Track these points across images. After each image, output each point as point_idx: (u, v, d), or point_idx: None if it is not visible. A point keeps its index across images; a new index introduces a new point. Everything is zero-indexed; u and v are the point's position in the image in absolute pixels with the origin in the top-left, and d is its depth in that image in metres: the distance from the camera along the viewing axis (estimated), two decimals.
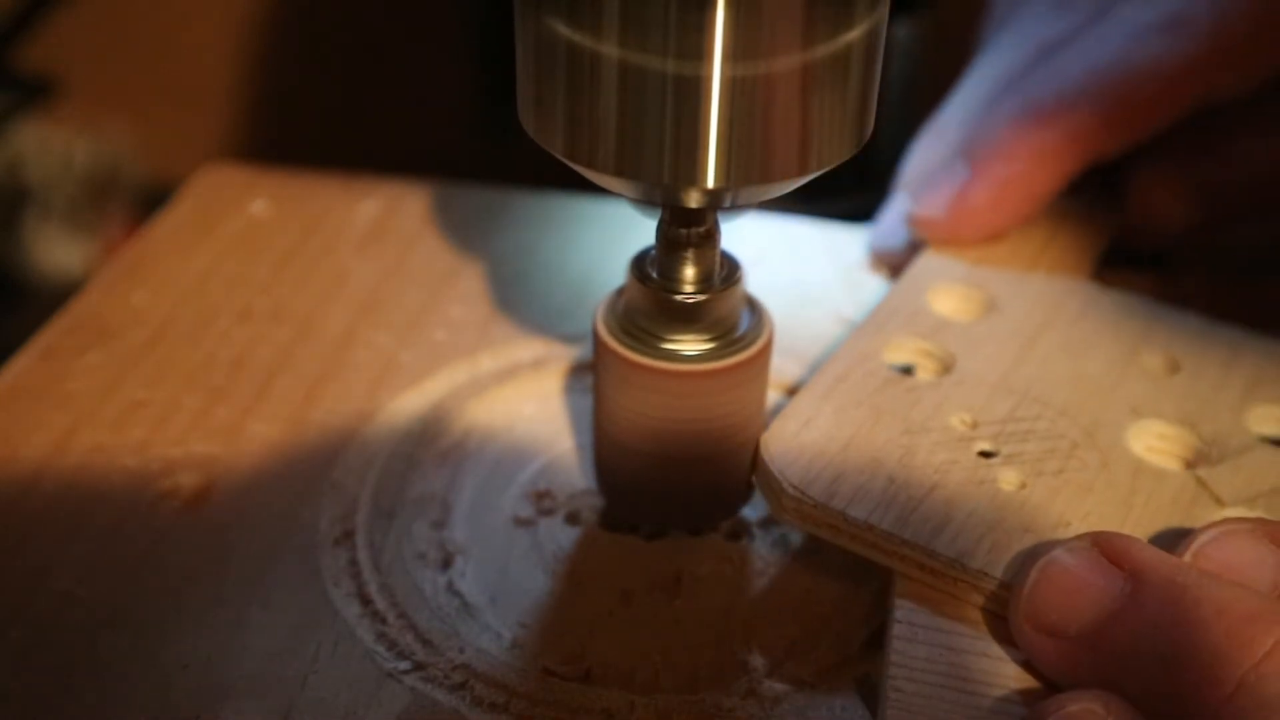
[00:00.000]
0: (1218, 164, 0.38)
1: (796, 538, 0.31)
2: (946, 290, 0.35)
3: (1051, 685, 0.25)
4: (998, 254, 0.37)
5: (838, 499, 0.27)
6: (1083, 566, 0.24)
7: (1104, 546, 0.25)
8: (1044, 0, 0.40)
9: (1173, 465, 0.30)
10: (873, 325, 0.33)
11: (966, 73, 0.40)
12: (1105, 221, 0.39)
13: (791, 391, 0.35)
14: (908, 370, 0.32)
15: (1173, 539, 0.27)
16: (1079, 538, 0.25)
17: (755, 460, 0.29)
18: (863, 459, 0.28)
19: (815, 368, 0.36)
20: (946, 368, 0.32)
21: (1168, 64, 0.35)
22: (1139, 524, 0.28)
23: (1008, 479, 0.28)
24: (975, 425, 0.30)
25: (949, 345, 0.33)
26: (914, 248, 0.38)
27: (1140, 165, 0.38)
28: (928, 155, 0.39)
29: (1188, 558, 0.25)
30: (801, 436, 0.29)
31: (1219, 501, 0.29)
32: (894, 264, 0.39)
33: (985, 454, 0.29)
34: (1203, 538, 0.26)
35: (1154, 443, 0.30)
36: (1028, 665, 0.25)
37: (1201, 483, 0.29)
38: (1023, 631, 0.25)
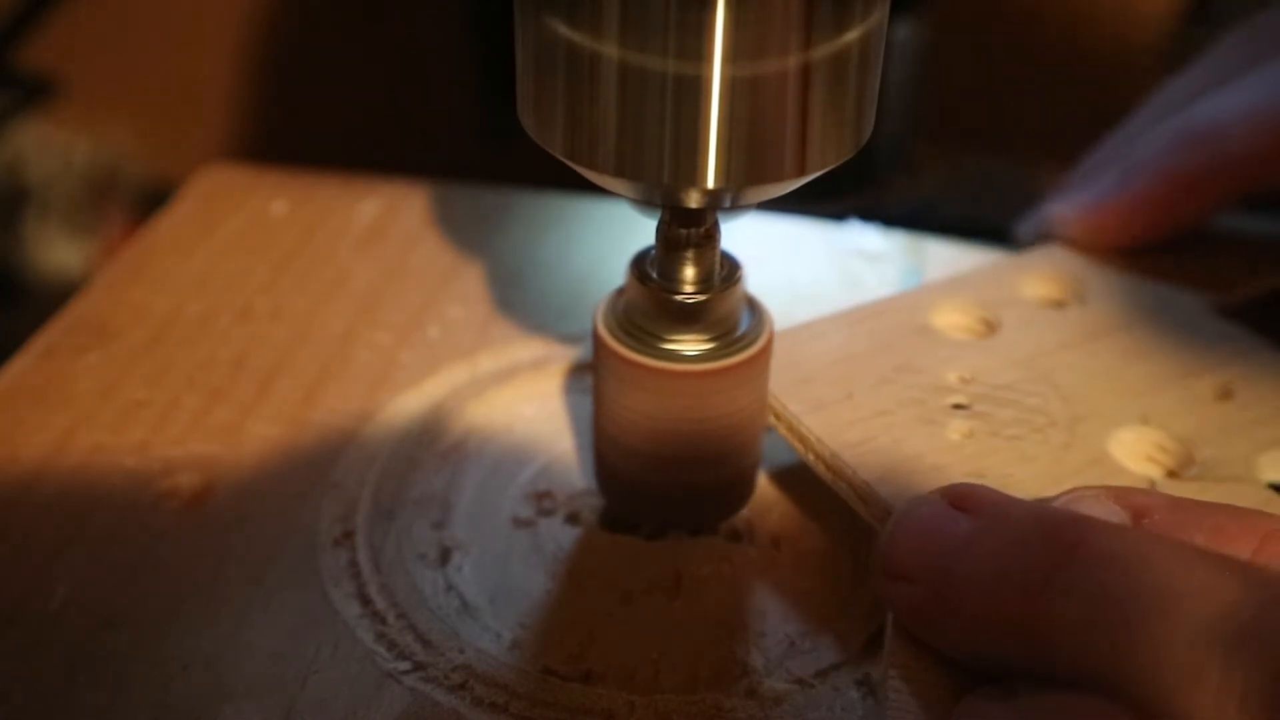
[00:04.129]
0: None
1: (796, 538, 0.31)
2: (1042, 275, 0.35)
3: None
4: (1125, 261, 0.37)
5: (794, 401, 0.29)
6: (931, 515, 0.25)
7: (952, 496, 0.25)
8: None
9: (1148, 471, 0.29)
10: (946, 286, 0.34)
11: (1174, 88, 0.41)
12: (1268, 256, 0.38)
13: None
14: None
15: None
16: (934, 490, 0.26)
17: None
18: (837, 375, 0.30)
19: None
20: (991, 329, 0.33)
21: None
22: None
23: (956, 428, 0.29)
24: (967, 383, 0.31)
25: (1004, 316, 0.33)
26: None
27: None
28: (1097, 158, 0.40)
29: None
30: (806, 345, 0.31)
31: None
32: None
33: (958, 406, 0.30)
34: (1054, 502, 0.26)
35: (1149, 450, 0.30)
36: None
37: (1152, 485, 0.29)
38: (878, 579, 0.25)
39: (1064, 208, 0.38)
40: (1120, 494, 0.26)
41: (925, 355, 0.31)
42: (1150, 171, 0.36)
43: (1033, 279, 0.35)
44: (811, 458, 0.29)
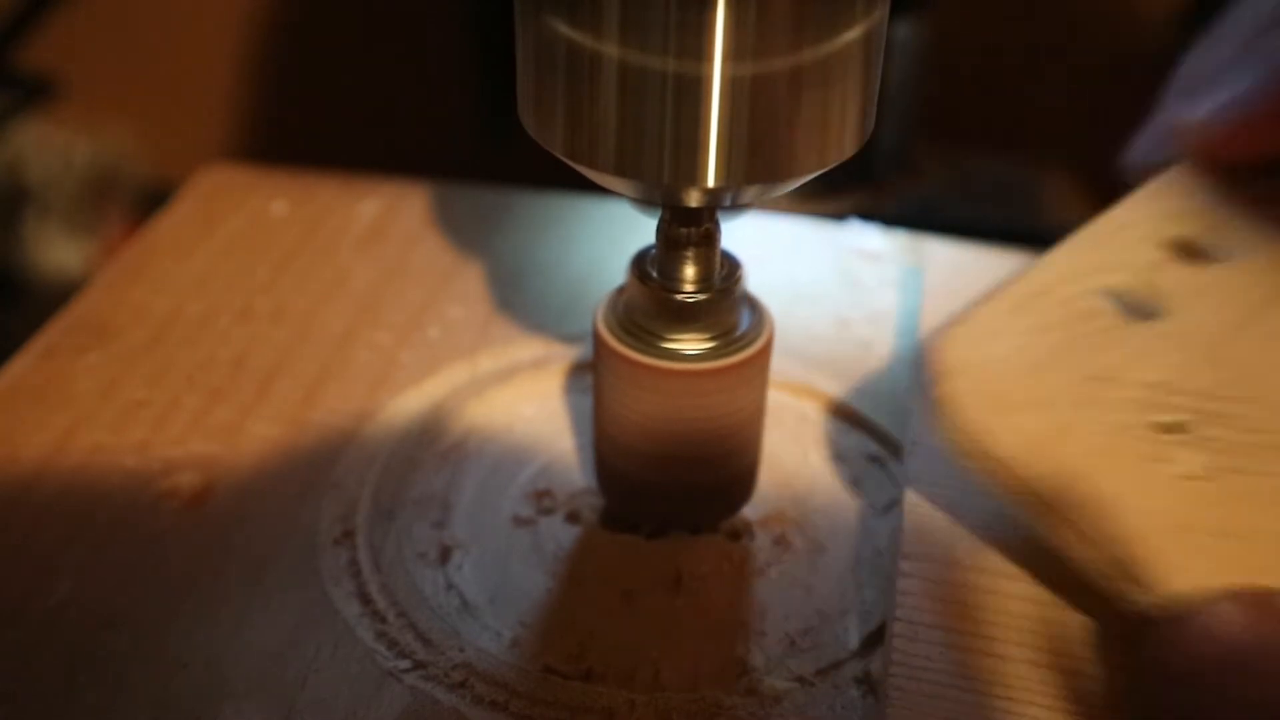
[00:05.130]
0: None
1: (797, 537, 0.31)
2: (1179, 219, 0.30)
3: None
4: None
5: (1002, 440, 0.25)
6: (1249, 635, 0.22)
7: (1248, 604, 0.22)
8: None
9: None
10: (1090, 240, 0.29)
11: None
12: None
13: (792, 391, 0.36)
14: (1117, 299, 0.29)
15: None
16: (1226, 595, 0.22)
17: (924, 360, 0.27)
18: (1036, 396, 0.26)
19: (815, 368, 0.36)
20: (1152, 313, 0.28)
21: None
22: None
23: (1184, 462, 0.25)
24: (1164, 390, 0.26)
25: (1163, 286, 0.28)
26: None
27: None
28: (1205, 59, 0.33)
29: None
30: (982, 348, 0.26)
31: None
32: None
33: (1165, 427, 0.26)
34: None
35: None
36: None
37: None
38: (1152, 674, 0.23)
39: (1195, 111, 0.31)
40: None
41: (1106, 351, 0.27)
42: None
43: (1172, 224, 0.30)
44: (1041, 518, 0.25)
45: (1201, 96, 0.31)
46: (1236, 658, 0.21)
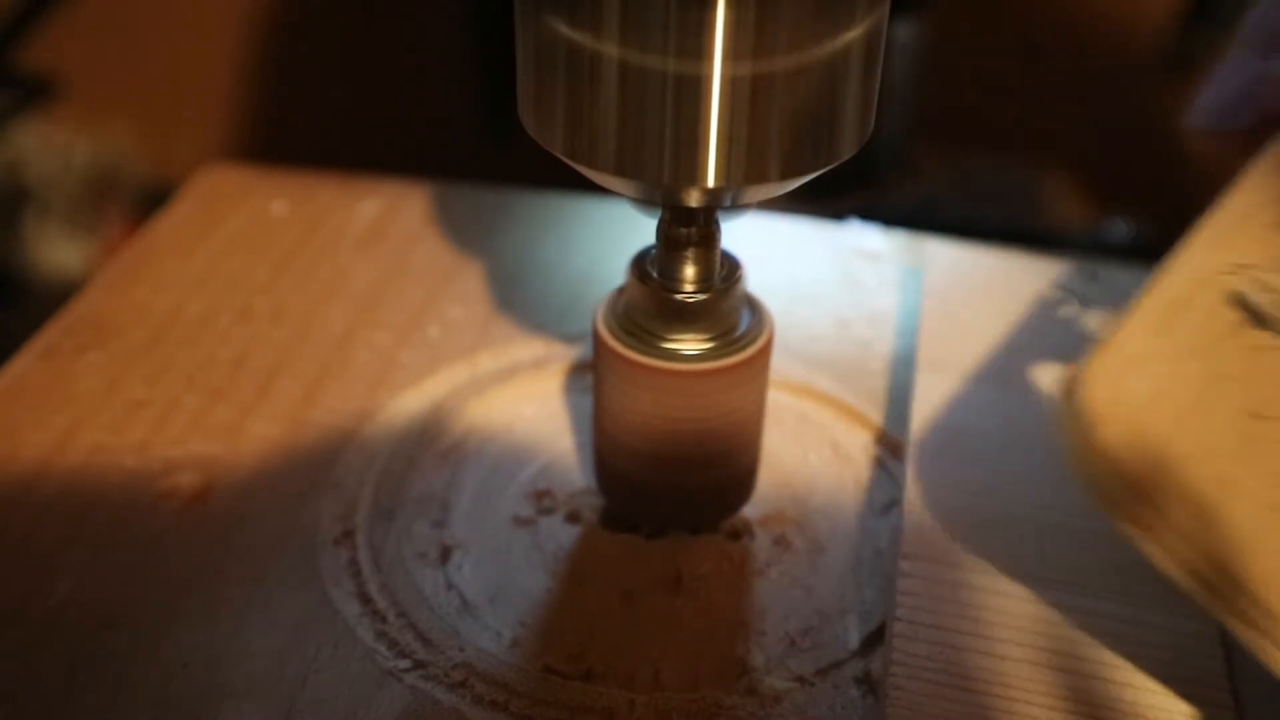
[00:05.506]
0: None
1: (797, 537, 0.31)
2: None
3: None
4: None
5: (1171, 515, 0.22)
6: None
7: None
8: None
9: None
10: (1214, 232, 0.26)
11: None
12: None
13: (792, 391, 0.35)
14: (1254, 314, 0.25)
15: None
16: None
17: (1067, 394, 0.24)
18: (1195, 444, 0.23)
19: (815, 368, 0.36)
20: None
21: None
22: None
23: None
24: None
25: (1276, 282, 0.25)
26: (1261, 129, 0.28)
27: None
28: None
29: None
30: (1129, 385, 0.23)
31: None
32: (1226, 152, 0.30)
33: None
34: None
35: None
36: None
37: None
38: None
39: (1267, 69, 0.28)
40: None
41: (1261, 377, 0.24)
42: None
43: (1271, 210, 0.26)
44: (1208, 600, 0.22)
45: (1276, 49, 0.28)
46: None
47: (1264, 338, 0.24)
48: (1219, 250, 0.25)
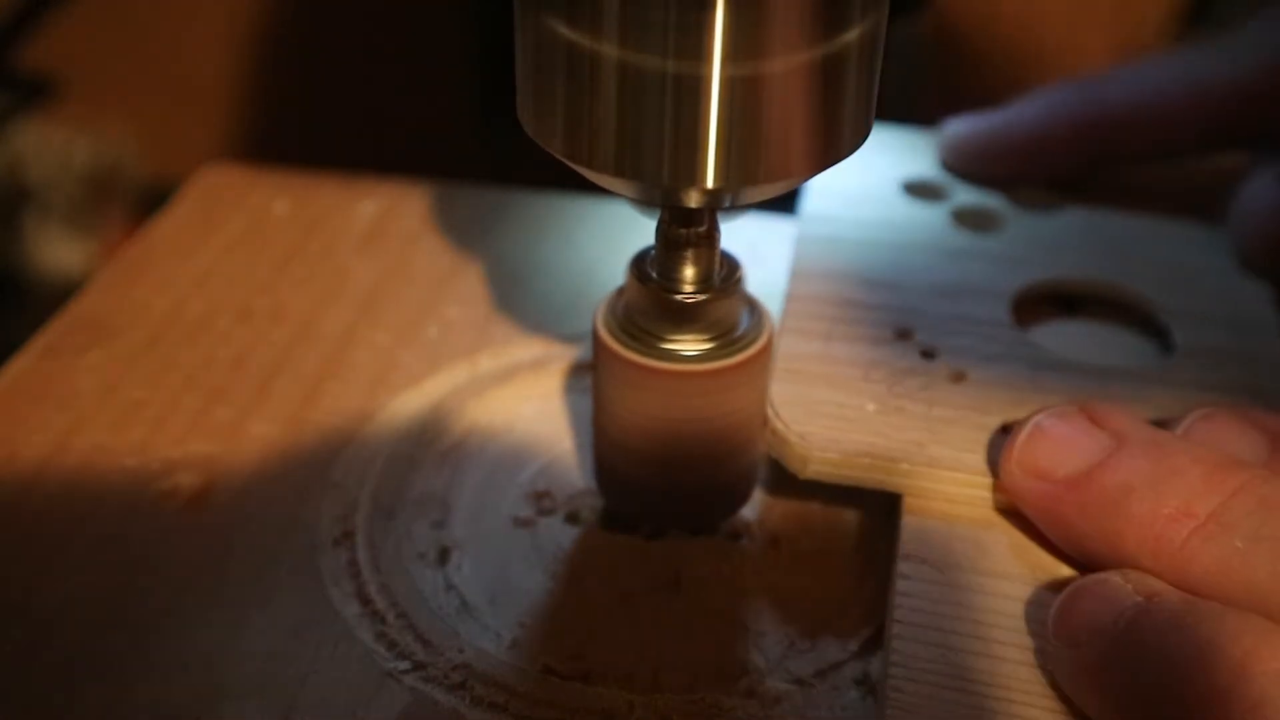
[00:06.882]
0: None
1: (796, 538, 0.31)
2: None
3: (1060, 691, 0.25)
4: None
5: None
6: (1071, 425, 0.27)
7: (1090, 412, 0.27)
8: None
9: None
10: None
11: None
12: None
13: None
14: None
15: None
16: (1067, 405, 0.27)
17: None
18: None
19: None
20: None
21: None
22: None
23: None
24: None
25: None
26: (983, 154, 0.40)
27: None
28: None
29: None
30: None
31: None
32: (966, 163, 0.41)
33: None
34: (1190, 418, 0.28)
35: None
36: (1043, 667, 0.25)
37: None
38: (1012, 476, 0.27)
39: (958, 126, 0.41)
40: (1254, 416, 0.27)
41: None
42: (1034, 107, 0.40)
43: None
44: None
45: (969, 119, 0.41)
46: (1075, 443, 0.26)
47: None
48: None
